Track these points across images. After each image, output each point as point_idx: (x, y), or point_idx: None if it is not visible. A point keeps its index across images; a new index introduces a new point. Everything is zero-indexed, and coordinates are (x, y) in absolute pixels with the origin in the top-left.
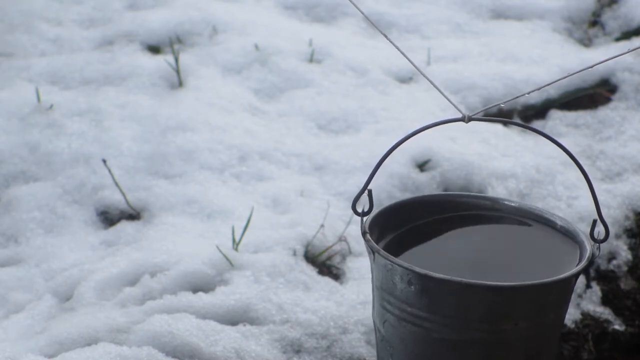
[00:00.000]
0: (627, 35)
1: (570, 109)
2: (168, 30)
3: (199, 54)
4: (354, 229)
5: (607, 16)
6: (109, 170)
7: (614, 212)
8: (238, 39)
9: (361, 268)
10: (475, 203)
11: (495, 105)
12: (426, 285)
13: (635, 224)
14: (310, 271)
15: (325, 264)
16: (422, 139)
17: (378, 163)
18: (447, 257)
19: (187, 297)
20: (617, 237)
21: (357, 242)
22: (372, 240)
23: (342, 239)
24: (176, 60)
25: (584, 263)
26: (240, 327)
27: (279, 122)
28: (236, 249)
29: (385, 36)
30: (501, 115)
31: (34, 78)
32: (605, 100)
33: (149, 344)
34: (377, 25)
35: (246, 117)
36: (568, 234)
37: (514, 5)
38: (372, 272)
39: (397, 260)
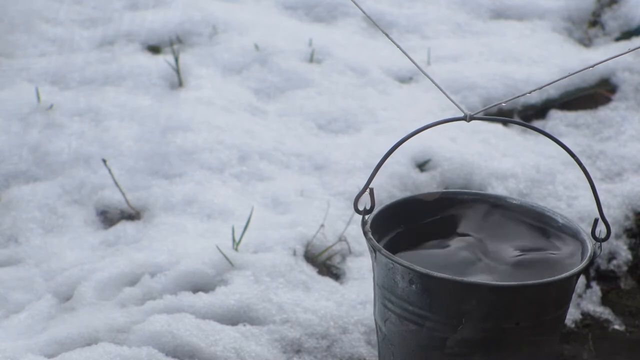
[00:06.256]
0: (627, 35)
1: (570, 109)
2: (168, 30)
3: (199, 53)
4: (354, 229)
5: (607, 16)
6: (109, 170)
7: (614, 212)
8: (238, 39)
9: (361, 268)
10: (476, 201)
11: (495, 105)
12: (427, 285)
13: (635, 224)
14: (310, 271)
15: (325, 264)
16: (422, 138)
17: (379, 162)
18: (449, 255)
19: (187, 297)
20: (617, 237)
21: (357, 242)
22: (373, 239)
23: (342, 238)
24: (176, 60)
25: (585, 262)
26: (240, 327)
27: (279, 122)
28: (236, 249)
29: (387, 35)
30: (501, 115)
31: (34, 78)
32: (605, 100)
33: (149, 344)
34: (378, 24)
35: (246, 117)
36: (569, 233)
37: (514, 5)
38: (373, 271)
39: (398, 259)
